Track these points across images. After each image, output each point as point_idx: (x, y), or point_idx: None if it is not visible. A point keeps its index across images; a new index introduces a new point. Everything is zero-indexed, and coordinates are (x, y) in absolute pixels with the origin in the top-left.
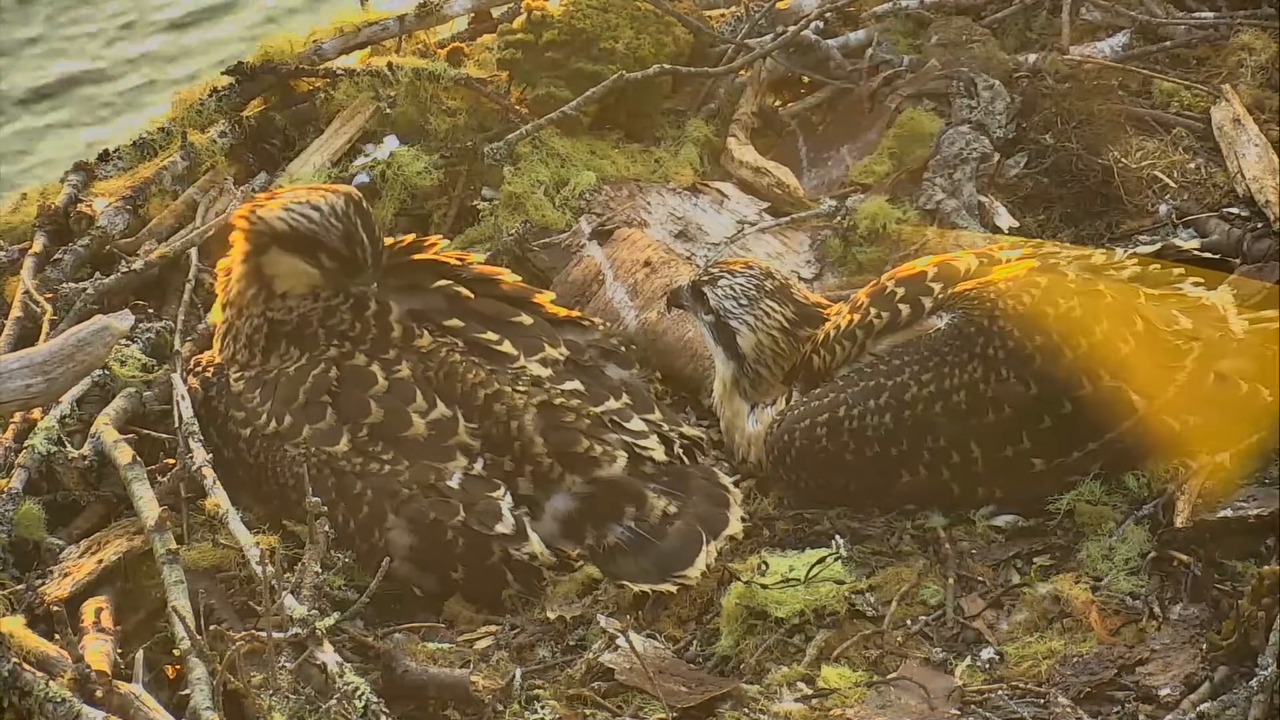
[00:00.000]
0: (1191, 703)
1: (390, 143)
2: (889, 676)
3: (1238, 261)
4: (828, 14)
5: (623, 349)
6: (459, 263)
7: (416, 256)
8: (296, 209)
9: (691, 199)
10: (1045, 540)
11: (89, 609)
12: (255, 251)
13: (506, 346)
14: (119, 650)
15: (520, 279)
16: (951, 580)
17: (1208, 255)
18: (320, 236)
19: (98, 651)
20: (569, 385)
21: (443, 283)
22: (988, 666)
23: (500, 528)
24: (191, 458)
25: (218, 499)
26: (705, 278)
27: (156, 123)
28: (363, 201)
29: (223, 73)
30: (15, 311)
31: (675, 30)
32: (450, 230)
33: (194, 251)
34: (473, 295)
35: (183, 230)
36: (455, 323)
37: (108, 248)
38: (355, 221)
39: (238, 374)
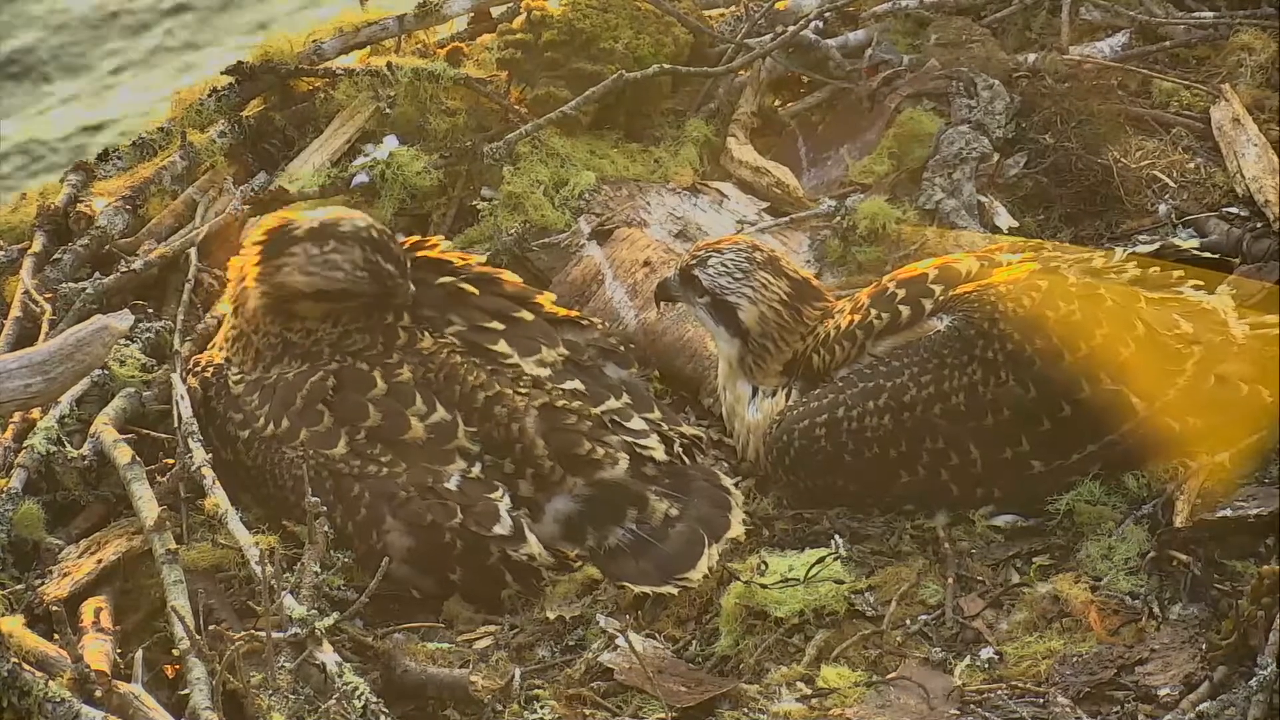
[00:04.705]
0: (1191, 702)
1: (390, 143)
2: (888, 676)
3: (1237, 261)
4: (828, 14)
5: (621, 348)
6: (461, 263)
7: (419, 254)
8: (318, 271)
9: (691, 199)
10: (1045, 540)
11: (88, 609)
12: (282, 302)
13: (504, 346)
14: (118, 650)
15: (521, 280)
16: (951, 580)
17: (1207, 255)
18: (352, 289)
19: (97, 651)
20: (569, 385)
21: (445, 280)
22: (987, 666)
23: (498, 529)
24: (191, 458)
25: (217, 499)
26: (693, 261)
27: (156, 122)
28: (373, 230)
29: (222, 72)
30: (15, 311)
31: (675, 30)
32: (450, 230)
33: (194, 251)
34: (476, 293)
35: (182, 230)
36: (453, 322)
37: (107, 248)
38: (377, 259)
39: (237, 376)
